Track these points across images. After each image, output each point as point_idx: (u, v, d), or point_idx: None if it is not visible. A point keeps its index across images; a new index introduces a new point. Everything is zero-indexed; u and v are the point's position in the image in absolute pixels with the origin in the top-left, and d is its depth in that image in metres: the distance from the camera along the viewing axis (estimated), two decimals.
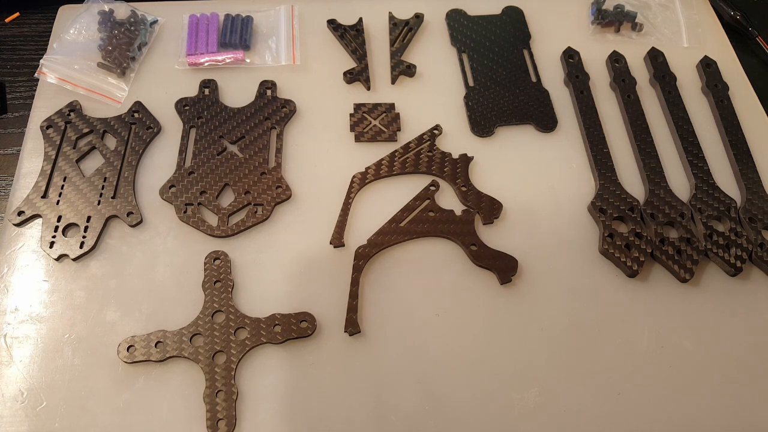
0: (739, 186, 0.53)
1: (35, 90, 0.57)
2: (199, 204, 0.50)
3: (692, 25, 0.64)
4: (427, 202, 0.51)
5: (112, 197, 0.50)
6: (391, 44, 0.61)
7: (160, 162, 0.53)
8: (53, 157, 0.52)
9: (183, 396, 0.42)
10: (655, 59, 0.60)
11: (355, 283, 0.47)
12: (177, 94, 0.57)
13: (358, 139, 0.55)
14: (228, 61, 0.59)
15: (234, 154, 0.53)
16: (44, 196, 0.50)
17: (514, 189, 0.52)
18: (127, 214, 0.50)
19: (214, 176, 0.52)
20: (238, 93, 0.58)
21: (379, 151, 0.54)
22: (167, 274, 0.47)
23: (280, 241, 0.49)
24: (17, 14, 0.66)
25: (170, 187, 0.51)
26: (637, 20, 0.63)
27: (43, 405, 0.42)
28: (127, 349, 0.43)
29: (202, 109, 0.56)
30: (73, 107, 0.55)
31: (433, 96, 0.58)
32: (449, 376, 0.44)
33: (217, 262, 0.47)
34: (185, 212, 0.50)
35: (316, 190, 0.52)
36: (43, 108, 0.56)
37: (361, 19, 0.63)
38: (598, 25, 0.63)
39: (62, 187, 0.51)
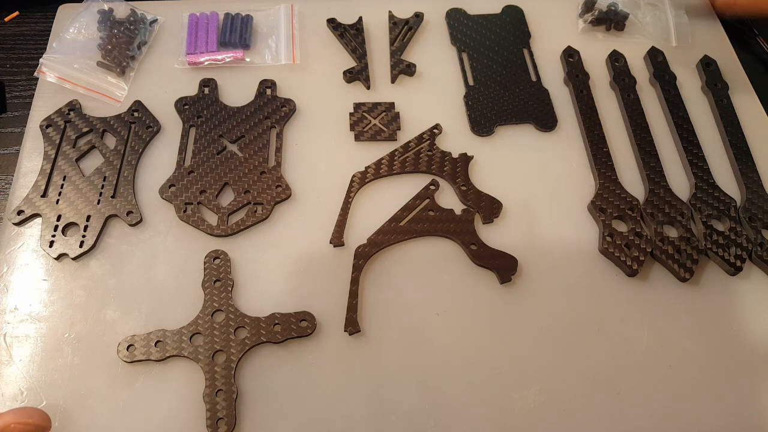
0: (739, 185, 0.53)
1: (35, 89, 0.57)
2: (198, 203, 0.50)
3: (692, 24, 0.64)
4: (427, 201, 0.51)
5: (112, 196, 0.50)
6: (391, 43, 0.61)
7: (160, 161, 0.53)
8: (53, 156, 0.52)
9: (183, 395, 0.42)
10: (655, 58, 0.60)
11: (354, 283, 0.47)
12: (177, 93, 0.57)
13: (357, 138, 0.55)
14: (228, 60, 0.59)
15: (233, 153, 0.53)
16: (44, 195, 0.50)
17: (513, 188, 0.52)
18: (127, 214, 0.50)
19: (214, 175, 0.52)
20: (237, 92, 0.58)
21: (379, 150, 0.54)
22: (167, 274, 0.47)
23: (279, 240, 0.49)
24: (17, 13, 0.66)
25: (170, 186, 0.51)
26: (635, 20, 0.63)
27: (42, 404, 0.42)
28: (127, 348, 0.43)
29: (201, 108, 0.56)
30: (73, 106, 0.55)
31: (433, 95, 0.58)
32: (449, 375, 0.44)
33: (217, 261, 0.47)
34: (185, 211, 0.50)
35: (315, 189, 0.52)
36: (42, 107, 0.56)
37: (360, 18, 0.63)
38: (590, 25, 0.63)
39: (62, 187, 0.51)
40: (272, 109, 0.56)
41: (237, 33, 0.60)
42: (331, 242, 0.49)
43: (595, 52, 0.61)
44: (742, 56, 0.63)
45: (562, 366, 0.44)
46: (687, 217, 0.50)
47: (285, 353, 0.44)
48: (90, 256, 0.48)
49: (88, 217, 0.49)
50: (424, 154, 0.54)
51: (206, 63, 0.59)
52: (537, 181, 0.53)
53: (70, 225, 0.49)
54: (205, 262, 0.47)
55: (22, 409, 0.36)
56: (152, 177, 0.52)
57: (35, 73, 0.57)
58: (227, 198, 0.51)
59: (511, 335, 0.45)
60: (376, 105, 0.57)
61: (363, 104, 0.57)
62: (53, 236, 0.48)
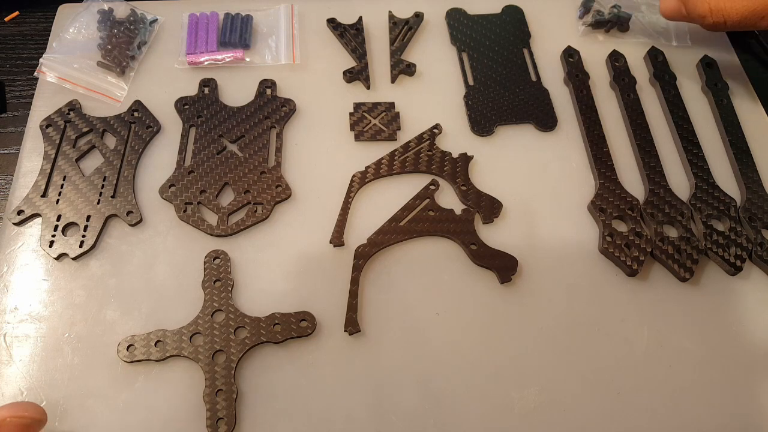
0: (739, 185, 0.53)
1: (35, 89, 0.57)
2: (198, 203, 0.50)
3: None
4: (427, 201, 0.51)
5: (112, 196, 0.50)
6: (391, 43, 0.61)
7: (160, 161, 0.53)
8: (53, 156, 0.52)
9: (183, 395, 0.42)
10: (655, 58, 0.60)
11: (354, 282, 0.47)
12: (176, 93, 0.57)
13: (357, 138, 0.55)
14: (228, 60, 0.59)
15: (233, 153, 0.53)
16: (44, 195, 0.50)
17: (513, 188, 0.52)
18: (127, 213, 0.50)
19: (214, 175, 0.52)
20: (237, 92, 0.58)
21: (379, 150, 0.54)
22: (167, 273, 0.47)
23: (279, 240, 0.49)
24: (17, 13, 0.66)
25: (170, 186, 0.51)
26: (635, 20, 0.63)
27: (42, 404, 0.42)
28: (127, 348, 0.43)
29: (201, 108, 0.56)
30: (73, 106, 0.55)
31: (433, 95, 0.58)
32: (449, 375, 0.44)
33: (217, 261, 0.47)
34: (185, 211, 0.50)
35: (315, 189, 0.52)
36: (42, 107, 0.56)
37: (360, 18, 0.63)
38: (589, 28, 0.63)
39: (62, 186, 0.51)
40: (272, 109, 0.56)
41: (237, 33, 0.60)
42: (331, 242, 0.49)
43: (595, 51, 0.61)
44: (742, 56, 0.63)
45: (562, 366, 0.44)
46: (687, 217, 0.50)
47: (285, 353, 0.44)
48: (90, 256, 0.48)
49: (88, 217, 0.49)
50: (424, 154, 0.54)
51: (206, 63, 0.59)
52: (537, 181, 0.53)
53: (70, 225, 0.49)
54: (205, 262, 0.47)
55: (17, 403, 0.36)
56: (152, 177, 0.52)
57: (35, 73, 0.57)
58: (227, 198, 0.51)
59: (511, 335, 0.45)
60: (376, 105, 0.57)
61: (363, 104, 0.57)
62: (53, 236, 0.48)
